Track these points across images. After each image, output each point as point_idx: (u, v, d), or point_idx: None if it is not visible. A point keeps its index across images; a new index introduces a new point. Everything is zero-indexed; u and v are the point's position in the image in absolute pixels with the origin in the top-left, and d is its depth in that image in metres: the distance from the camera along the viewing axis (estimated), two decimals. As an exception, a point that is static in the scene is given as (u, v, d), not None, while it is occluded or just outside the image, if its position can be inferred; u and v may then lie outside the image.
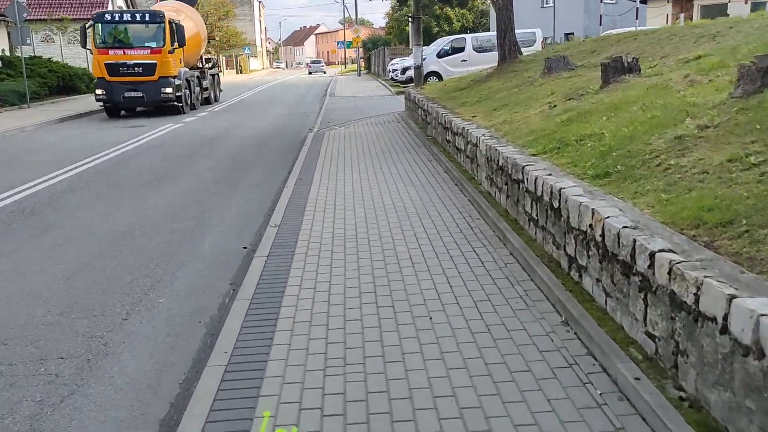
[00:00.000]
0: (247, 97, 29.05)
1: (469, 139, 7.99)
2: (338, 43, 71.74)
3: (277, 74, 69.34)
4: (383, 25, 69.51)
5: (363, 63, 55.85)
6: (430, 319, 4.03)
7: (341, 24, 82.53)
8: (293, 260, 5.31)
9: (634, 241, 3.33)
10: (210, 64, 24.75)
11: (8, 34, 21.92)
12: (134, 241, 6.45)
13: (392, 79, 31.18)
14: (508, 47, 13.26)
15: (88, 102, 24.22)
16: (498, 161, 6.42)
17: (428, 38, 54.96)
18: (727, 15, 19.09)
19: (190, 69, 21.15)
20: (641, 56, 8.50)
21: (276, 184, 8.89)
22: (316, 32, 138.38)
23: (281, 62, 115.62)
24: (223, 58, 64.43)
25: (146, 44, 18.93)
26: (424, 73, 24.95)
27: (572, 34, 38.08)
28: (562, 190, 4.47)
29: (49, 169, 10.30)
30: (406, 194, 7.52)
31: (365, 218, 6.52)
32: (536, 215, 5.13)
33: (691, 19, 26.59)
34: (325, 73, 64.47)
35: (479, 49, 24.81)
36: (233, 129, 15.98)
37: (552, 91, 8.82)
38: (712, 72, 6.32)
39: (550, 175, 5.04)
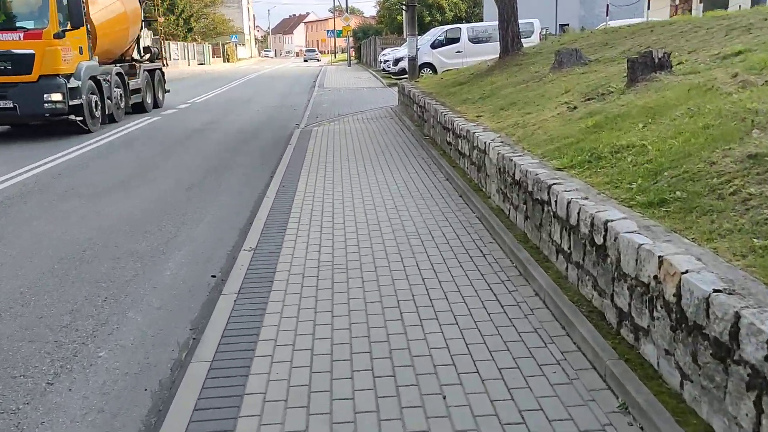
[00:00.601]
0: (232, 87, 27.88)
1: (475, 144, 7.02)
2: (328, 32, 70.59)
3: (265, 63, 67.92)
4: (374, 14, 68.21)
5: (353, 53, 54.66)
6: (444, 398, 3.06)
7: (331, 12, 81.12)
8: (269, 299, 4.32)
9: (737, 316, 2.38)
10: (149, 56, 18.03)
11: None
12: (82, 267, 5.42)
13: (384, 70, 30.09)
14: (511, 38, 12.27)
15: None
16: (513, 174, 5.45)
17: (420, 28, 53.88)
18: (738, 8, 18.19)
19: (110, 63, 14.86)
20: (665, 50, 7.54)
21: (255, 192, 7.87)
22: (305, 20, 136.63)
23: (270, 51, 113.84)
24: (209, 46, 62.99)
25: (18, 25, 12.05)
26: (417, 64, 23.93)
27: (567, 25, 37.05)
28: (610, 224, 3.52)
29: None
30: (404, 208, 6.55)
31: (357, 240, 5.54)
32: (569, 248, 4.17)
33: (690, 11, 25.66)
34: (319, 60, 68.29)
35: (475, 40, 23.79)
36: (215, 123, 14.91)
37: (567, 89, 7.86)
38: (766, 71, 5.38)
39: (586, 199, 4.07)
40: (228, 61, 67.59)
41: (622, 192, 4.13)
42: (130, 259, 5.59)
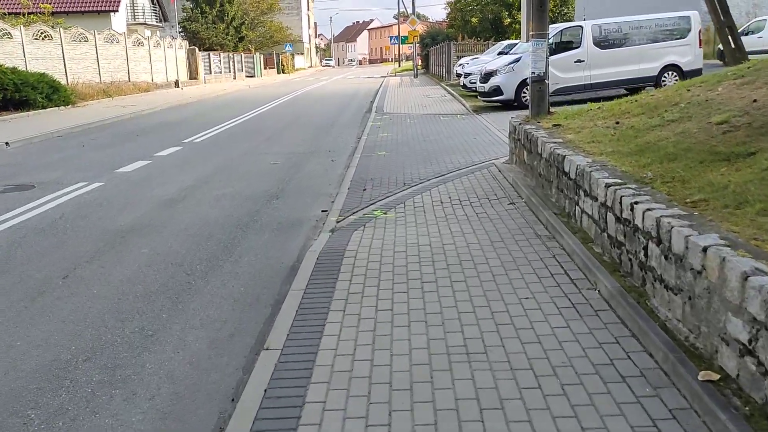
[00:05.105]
0: (263, 111, 21.33)
1: None
2: (391, 38, 64.12)
3: (322, 74, 61.81)
4: (443, 18, 60.98)
5: (420, 61, 47.57)
6: None
7: (396, 19, 74.57)
8: None
9: None
10: None
11: None
12: None
13: (463, 86, 22.78)
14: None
15: (31, 125, 16.85)
16: None
17: (497, 33, 45.97)
18: None
19: None
20: None
21: None
22: (369, 28, 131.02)
23: (331, 60, 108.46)
24: (261, 56, 57.25)
25: None
26: (517, 82, 16.53)
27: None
28: None
29: None
30: None
31: None
32: None
33: None
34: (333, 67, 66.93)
35: (604, 44, 16.23)
36: (179, 203, 8.10)
37: None
38: None
39: None
40: (283, 73, 61.84)
41: None
42: None
